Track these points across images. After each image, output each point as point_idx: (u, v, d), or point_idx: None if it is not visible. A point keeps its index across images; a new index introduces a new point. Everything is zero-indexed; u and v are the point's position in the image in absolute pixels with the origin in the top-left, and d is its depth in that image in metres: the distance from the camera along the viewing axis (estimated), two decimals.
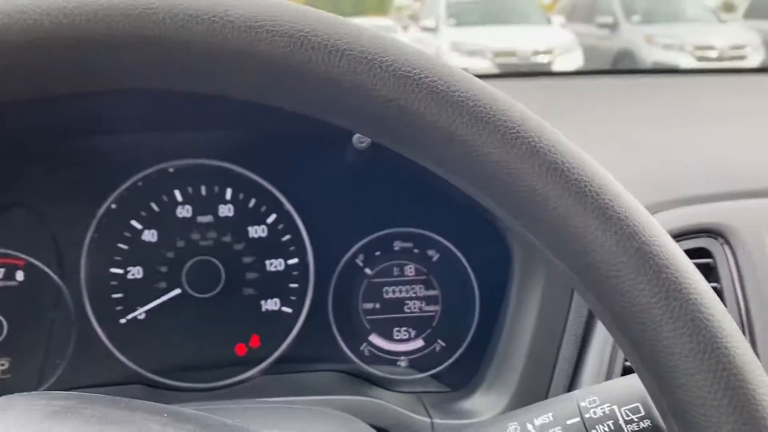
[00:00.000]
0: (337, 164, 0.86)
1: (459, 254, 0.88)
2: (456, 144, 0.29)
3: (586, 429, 0.46)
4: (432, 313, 0.90)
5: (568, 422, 0.46)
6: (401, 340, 0.90)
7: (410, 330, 0.90)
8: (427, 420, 0.75)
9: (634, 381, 0.47)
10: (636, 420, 0.46)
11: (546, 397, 0.69)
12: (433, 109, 0.29)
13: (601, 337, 0.68)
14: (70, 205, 0.82)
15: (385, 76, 0.28)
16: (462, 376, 0.84)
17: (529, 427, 0.46)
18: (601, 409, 0.46)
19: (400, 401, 0.79)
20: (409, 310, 0.90)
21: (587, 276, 0.30)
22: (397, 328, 0.90)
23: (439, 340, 0.90)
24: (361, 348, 0.89)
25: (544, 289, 0.70)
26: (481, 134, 0.29)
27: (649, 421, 0.45)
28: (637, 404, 0.46)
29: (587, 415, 0.46)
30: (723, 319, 0.29)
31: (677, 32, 8.11)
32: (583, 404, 0.47)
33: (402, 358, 0.90)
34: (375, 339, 0.89)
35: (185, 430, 0.31)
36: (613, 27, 8.62)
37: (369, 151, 0.76)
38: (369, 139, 0.68)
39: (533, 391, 0.71)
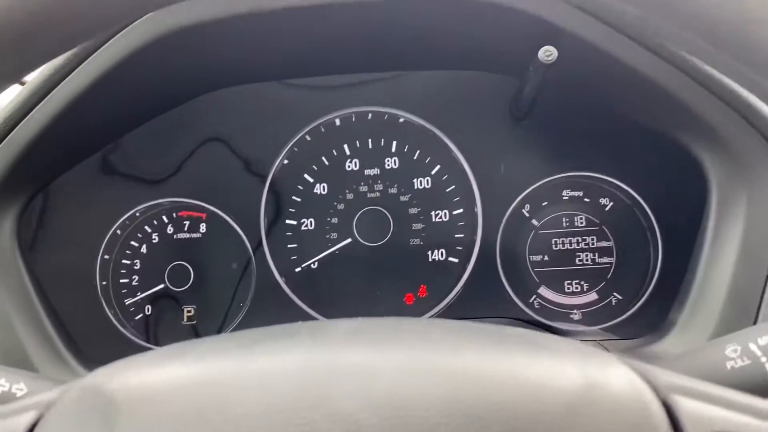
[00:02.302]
0: (505, 106, 0.84)
1: (639, 198, 0.83)
2: None
3: None
4: (606, 265, 0.86)
5: None
6: (573, 293, 0.86)
7: (582, 283, 0.86)
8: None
9: None
10: None
11: None
12: None
13: None
14: (248, 158, 0.87)
15: None
16: (641, 327, 0.79)
17: (753, 346, 0.40)
18: None
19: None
20: (580, 263, 0.86)
21: None
22: (569, 281, 0.86)
23: (615, 293, 0.85)
24: (531, 300, 0.86)
25: (747, 216, 0.63)
26: None
27: None
28: None
29: None
30: None
31: None
32: None
33: (575, 311, 0.86)
34: (545, 291, 0.86)
35: None
36: None
37: (545, 86, 0.74)
38: (556, 53, 0.67)
39: (737, 327, 0.64)
